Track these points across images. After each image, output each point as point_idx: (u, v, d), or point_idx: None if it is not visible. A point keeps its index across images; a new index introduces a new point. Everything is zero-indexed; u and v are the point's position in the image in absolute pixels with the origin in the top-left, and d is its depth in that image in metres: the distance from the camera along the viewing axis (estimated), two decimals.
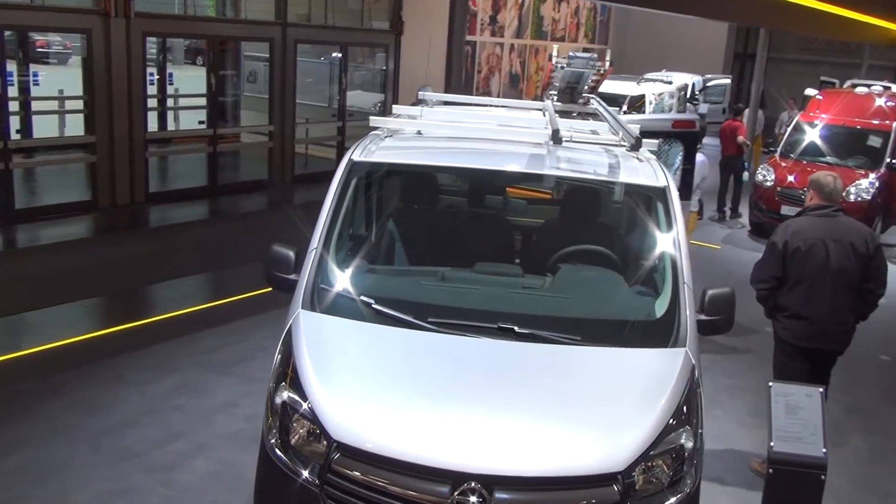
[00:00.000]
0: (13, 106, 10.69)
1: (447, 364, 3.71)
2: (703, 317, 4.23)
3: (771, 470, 3.89)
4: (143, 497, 4.78)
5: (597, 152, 4.74)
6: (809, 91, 15.56)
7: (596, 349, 3.81)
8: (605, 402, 3.57)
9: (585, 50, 20.26)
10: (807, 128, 12.89)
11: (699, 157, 8.39)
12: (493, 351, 3.76)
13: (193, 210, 11.75)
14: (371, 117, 5.09)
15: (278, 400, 3.57)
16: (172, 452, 5.20)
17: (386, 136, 4.91)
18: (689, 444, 3.50)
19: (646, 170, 4.71)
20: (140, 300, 8.41)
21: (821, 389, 4.08)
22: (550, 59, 7.12)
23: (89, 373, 6.32)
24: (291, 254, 4.26)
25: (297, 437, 3.47)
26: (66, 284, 8.13)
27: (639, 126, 7.02)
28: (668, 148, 7.72)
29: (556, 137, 4.49)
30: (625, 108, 16.12)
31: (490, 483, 3.20)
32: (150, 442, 5.32)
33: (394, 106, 5.48)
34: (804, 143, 12.72)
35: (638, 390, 3.63)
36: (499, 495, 3.19)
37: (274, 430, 3.53)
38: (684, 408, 3.60)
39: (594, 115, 5.83)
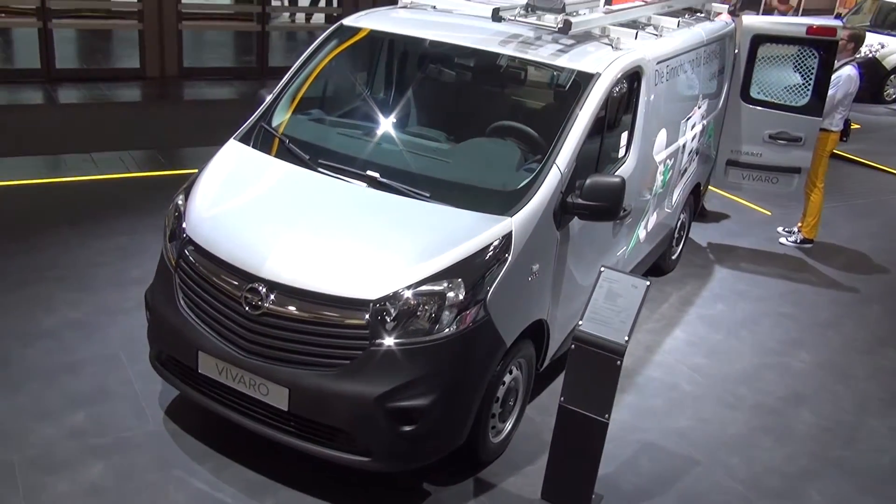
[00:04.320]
0: None
1: (300, 197, 4.42)
2: (580, 200, 4.41)
3: (573, 346, 4.07)
4: None
5: (554, 35, 4.89)
6: None
7: (432, 205, 4.24)
8: (392, 244, 4.06)
9: None
10: None
11: (849, 69, 7.57)
12: (346, 193, 4.37)
13: None
14: None
15: (174, 202, 4.56)
16: None
17: (401, 7, 5.56)
18: (457, 296, 3.88)
19: (592, 55, 4.84)
20: None
21: (647, 282, 4.09)
22: None
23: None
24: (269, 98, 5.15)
25: (177, 231, 4.44)
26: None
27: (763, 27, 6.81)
28: (801, 56, 7.17)
29: (495, 16, 4.80)
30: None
31: (271, 287, 3.93)
32: None
33: None
34: None
35: (429, 240, 4.05)
36: (272, 297, 3.91)
37: (165, 225, 4.54)
38: (469, 265, 3.95)
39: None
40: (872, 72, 14.71)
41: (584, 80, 4.68)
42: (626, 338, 3.99)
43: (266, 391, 3.98)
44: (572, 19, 4.66)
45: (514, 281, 4.16)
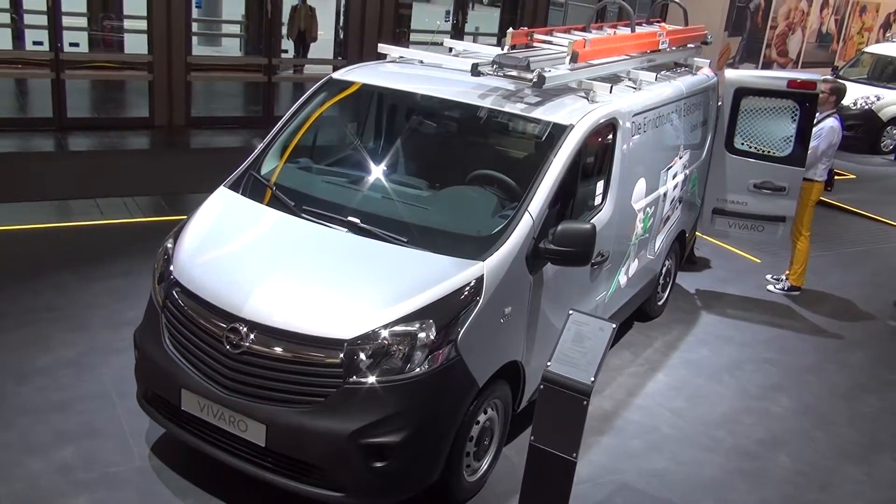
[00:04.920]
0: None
1: (283, 241, 4.60)
2: (552, 246, 4.57)
3: (542, 386, 4.19)
4: None
5: (532, 88, 5.10)
6: None
7: (409, 250, 4.41)
8: (368, 286, 4.22)
9: None
10: None
11: (831, 121, 7.77)
12: (328, 238, 4.55)
13: None
14: (379, 44, 5.98)
15: (163, 245, 4.75)
16: None
17: (390, 61, 5.82)
18: (428, 337, 4.04)
19: (567, 108, 5.05)
20: None
21: (614, 325, 4.22)
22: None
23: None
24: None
25: (165, 273, 4.63)
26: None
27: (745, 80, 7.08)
28: (783, 109, 7.37)
29: (474, 71, 5.04)
30: None
31: (251, 326, 4.10)
32: None
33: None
34: None
35: (403, 283, 4.21)
36: (252, 336, 4.08)
37: (155, 267, 4.73)
38: (441, 307, 4.11)
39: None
40: (869, 123, 14.96)
41: (558, 132, 4.89)
42: (593, 378, 4.10)
43: (245, 427, 4.12)
44: (546, 74, 4.87)
45: (486, 323, 4.31)
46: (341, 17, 14.18)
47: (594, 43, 5.50)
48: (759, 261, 9.01)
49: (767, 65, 18.31)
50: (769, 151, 7.52)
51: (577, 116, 4.97)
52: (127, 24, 14.82)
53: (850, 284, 8.71)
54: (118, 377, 5.46)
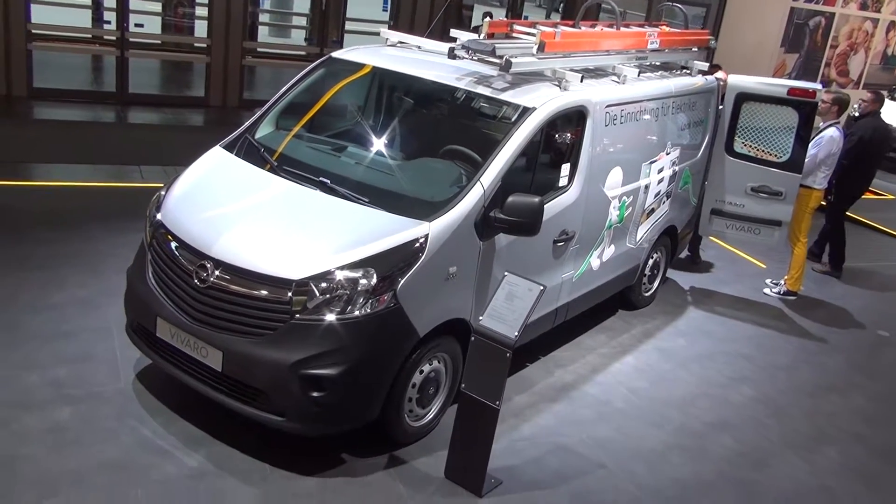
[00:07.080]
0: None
1: (259, 195, 5.11)
2: (500, 215, 4.96)
3: (473, 338, 4.58)
4: None
5: (512, 73, 5.48)
6: None
7: (366, 208, 4.86)
8: (323, 236, 4.69)
9: None
10: None
11: (832, 131, 7.91)
12: (300, 194, 5.03)
13: None
14: (382, 30, 6.46)
15: (157, 193, 5.31)
16: None
17: (389, 45, 6.30)
18: (369, 283, 4.48)
19: (535, 92, 5.44)
20: None
21: (542, 287, 4.57)
22: None
23: None
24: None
25: (154, 217, 5.18)
26: None
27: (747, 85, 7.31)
28: (783, 115, 7.56)
29: (450, 54, 5.47)
30: None
31: (217, 264, 4.61)
32: None
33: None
34: None
35: (355, 235, 4.66)
36: (217, 272, 4.59)
37: (147, 213, 5.28)
38: (384, 258, 4.55)
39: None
40: None
41: (521, 113, 5.28)
42: (516, 333, 4.48)
43: (206, 353, 4.62)
44: (513, 60, 5.27)
45: (429, 278, 4.72)
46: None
47: (565, 36, 5.85)
48: (764, 265, 9.16)
49: (826, 83, 18.14)
50: (767, 156, 7.71)
51: (541, 101, 5.34)
52: (197, 10, 15.68)
53: (851, 295, 8.79)
54: (121, 314, 5.94)
